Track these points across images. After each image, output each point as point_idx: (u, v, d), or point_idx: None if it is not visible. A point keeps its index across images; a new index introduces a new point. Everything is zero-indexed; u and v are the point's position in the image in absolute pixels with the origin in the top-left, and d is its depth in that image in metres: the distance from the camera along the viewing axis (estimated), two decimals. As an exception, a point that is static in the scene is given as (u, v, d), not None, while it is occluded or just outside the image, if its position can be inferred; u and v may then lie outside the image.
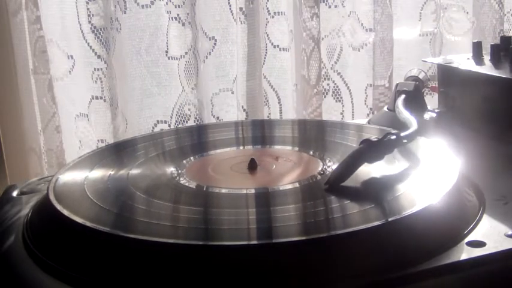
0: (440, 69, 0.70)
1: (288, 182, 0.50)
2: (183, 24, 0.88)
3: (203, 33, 0.91)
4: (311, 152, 0.57)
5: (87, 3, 0.83)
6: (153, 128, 0.93)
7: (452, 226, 0.43)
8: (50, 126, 0.85)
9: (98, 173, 0.53)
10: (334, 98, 1.02)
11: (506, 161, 0.56)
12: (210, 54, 0.93)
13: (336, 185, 0.47)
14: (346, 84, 1.02)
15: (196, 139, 0.65)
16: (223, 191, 0.49)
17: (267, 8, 0.94)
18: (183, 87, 0.91)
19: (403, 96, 0.67)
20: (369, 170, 0.49)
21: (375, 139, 0.50)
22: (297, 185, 0.49)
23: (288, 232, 0.41)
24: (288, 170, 0.54)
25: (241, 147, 0.62)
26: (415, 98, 0.68)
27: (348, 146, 0.57)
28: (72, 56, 0.86)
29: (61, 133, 0.86)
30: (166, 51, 0.91)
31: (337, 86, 1.02)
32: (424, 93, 0.71)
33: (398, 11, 1.02)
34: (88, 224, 0.43)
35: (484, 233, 0.43)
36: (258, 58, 0.92)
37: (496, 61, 0.65)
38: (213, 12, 0.92)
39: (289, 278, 0.38)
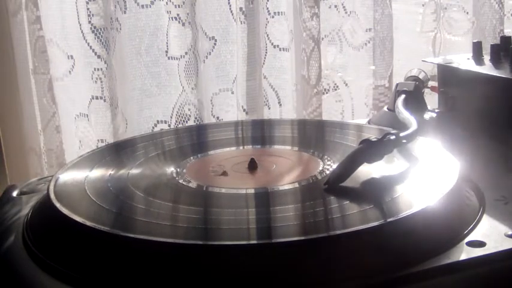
0: (440, 69, 0.70)
1: (287, 182, 0.50)
2: (183, 24, 0.88)
3: (203, 33, 0.91)
4: (311, 152, 0.57)
5: (87, 3, 0.83)
6: (153, 128, 0.93)
7: (452, 226, 0.43)
8: (50, 126, 0.85)
9: (98, 173, 0.53)
10: (334, 98, 1.02)
11: (506, 161, 0.56)
12: (210, 54, 0.93)
13: (335, 185, 0.47)
14: (346, 84, 1.02)
15: (196, 139, 0.65)
16: (223, 191, 0.49)
17: (267, 8, 0.94)
18: (183, 87, 0.91)
19: (403, 96, 0.67)
20: (368, 170, 0.49)
21: (375, 139, 0.50)
22: (296, 185, 0.49)
23: (287, 232, 0.41)
24: (288, 170, 0.54)
25: (241, 147, 0.62)
26: (415, 98, 0.68)
27: (348, 146, 0.57)
28: (72, 56, 0.86)
29: (61, 133, 0.86)
30: (166, 51, 0.91)
31: (337, 86, 1.02)
32: (424, 93, 0.71)
33: (398, 11, 1.02)
34: (88, 223, 0.43)
35: (484, 233, 0.43)
36: (258, 58, 0.92)
37: (496, 61, 0.65)
38: (213, 12, 0.92)
39: (289, 278, 0.38)
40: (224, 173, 0.53)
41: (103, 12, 0.83)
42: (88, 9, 0.83)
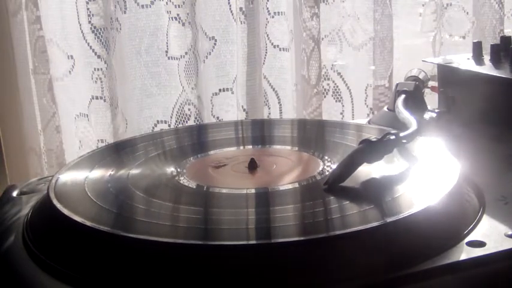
0: (440, 69, 0.70)
1: (287, 182, 0.50)
2: (183, 24, 0.88)
3: (203, 33, 0.91)
4: (311, 152, 0.57)
5: (87, 3, 0.83)
6: (153, 128, 0.93)
7: (452, 226, 0.43)
8: (50, 126, 0.85)
9: (98, 173, 0.53)
10: (334, 98, 1.02)
11: (506, 161, 0.56)
12: (210, 54, 0.93)
13: (335, 185, 0.47)
14: (346, 84, 1.02)
15: (196, 139, 0.65)
16: (223, 191, 0.49)
17: (267, 8, 0.94)
18: (183, 87, 0.91)
19: (403, 96, 0.67)
20: (368, 170, 0.49)
21: (374, 139, 0.50)
22: (296, 185, 0.49)
23: (287, 232, 0.41)
24: (288, 170, 0.54)
25: (241, 147, 0.62)
26: (415, 98, 0.68)
27: (348, 146, 0.57)
28: (72, 56, 0.86)
29: (61, 133, 0.86)
30: (166, 51, 0.91)
31: (337, 86, 1.02)
32: (424, 93, 0.71)
33: (398, 11, 1.03)
34: (88, 223, 0.43)
35: (484, 233, 0.43)
36: (258, 58, 0.92)
37: (496, 61, 0.65)
38: (213, 12, 0.92)
39: (288, 278, 0.38)
40: (223, 166, 0.53)
41: (103, 12, 0.83)
42: (88, 9, 0.83)
